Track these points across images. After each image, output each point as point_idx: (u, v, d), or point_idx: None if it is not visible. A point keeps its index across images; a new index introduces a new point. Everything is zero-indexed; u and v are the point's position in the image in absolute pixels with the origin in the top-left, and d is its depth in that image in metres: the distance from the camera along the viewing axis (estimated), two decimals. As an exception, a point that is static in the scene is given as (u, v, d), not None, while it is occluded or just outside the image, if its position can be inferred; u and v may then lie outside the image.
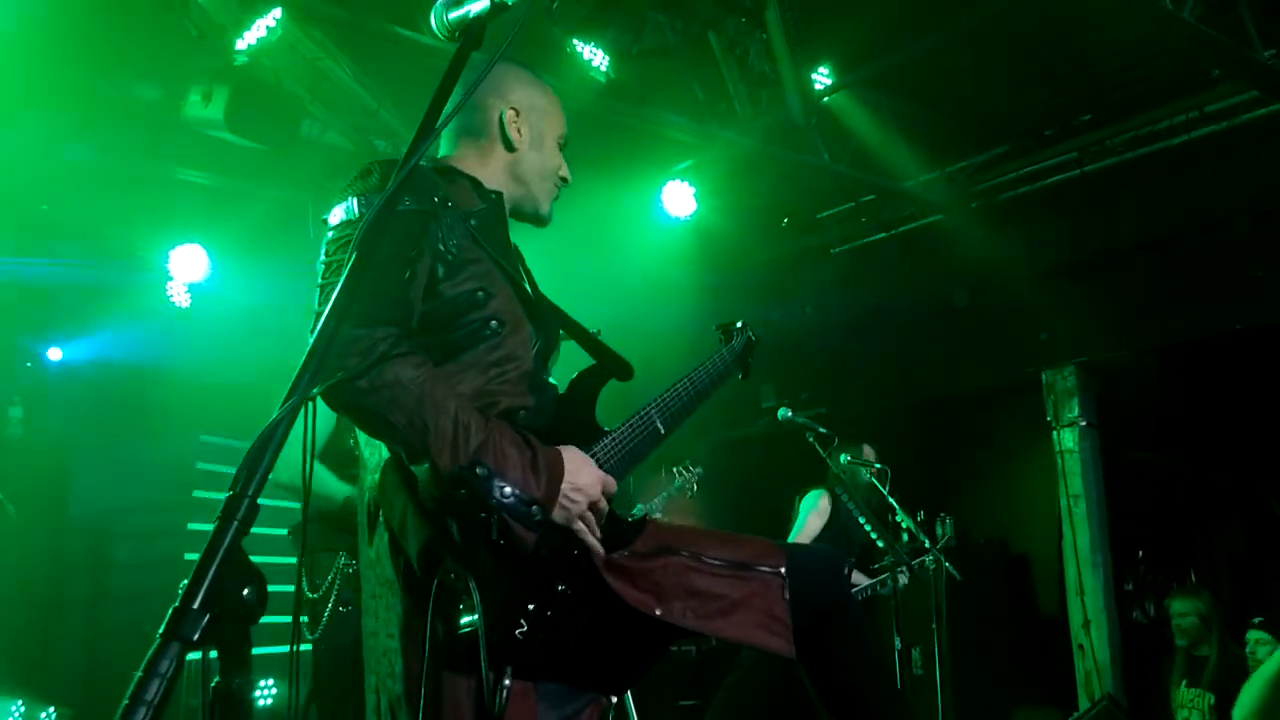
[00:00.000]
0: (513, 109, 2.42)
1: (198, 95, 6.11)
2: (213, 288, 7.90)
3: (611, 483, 2.19)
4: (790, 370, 9.35)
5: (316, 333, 1.44)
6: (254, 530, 1.23)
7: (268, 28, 5.59)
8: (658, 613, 2.19)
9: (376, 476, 2.18)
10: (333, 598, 3.76)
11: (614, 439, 2.33)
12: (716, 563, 2.29)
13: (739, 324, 2.94)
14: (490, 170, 2.40)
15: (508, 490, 2.01)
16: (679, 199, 7.47)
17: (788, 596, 2.28)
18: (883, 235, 8.73)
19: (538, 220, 2.51)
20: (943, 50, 6.46)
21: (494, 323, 2.15)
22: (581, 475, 2.12)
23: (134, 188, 7.22)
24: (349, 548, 3.77)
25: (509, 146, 2.42)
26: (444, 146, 2.46)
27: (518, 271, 2.31)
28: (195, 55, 6.05)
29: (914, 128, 7.50)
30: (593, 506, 2.14)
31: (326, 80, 6.42)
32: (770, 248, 9.04)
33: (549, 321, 2.36)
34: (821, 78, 6.82)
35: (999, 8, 6.04)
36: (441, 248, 2.11)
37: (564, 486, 2.09)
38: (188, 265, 7.69)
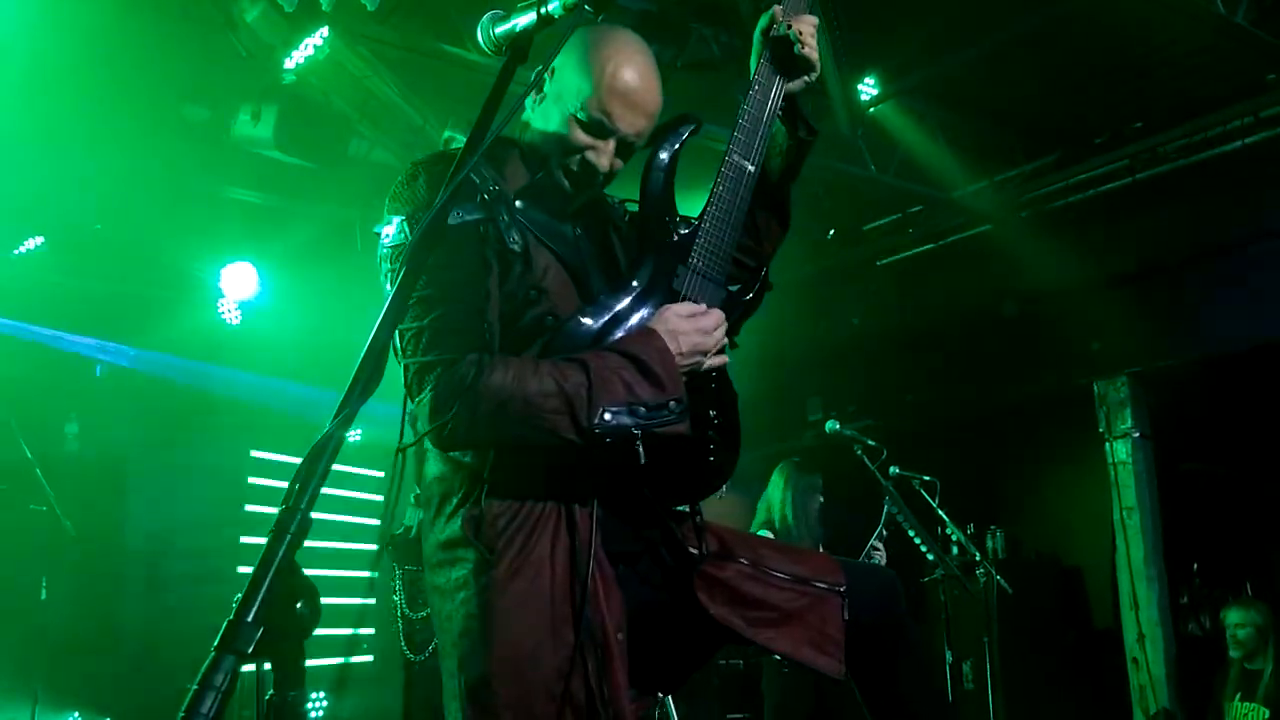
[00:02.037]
0: (550, 70, 2.18)
1: (247, 115, 6.19)
2: (263, 305, 7.99)
3: (710, 320, 2.14)
4: (837, 382, 9.30)
5: (366, 347, 1.44)
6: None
7: (315, 46, 5.66)
8: (712, 611, 2.17)
9: (443, 469, 2.15)
10: None
11: (704, 243, 2.19)
12: (776, 574, 2.26)
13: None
14: (527, 135, 2.26)
15: (641, 411, 1.99)
16: (724, 212, 7.44)
17: (847, 616, 2.24)
18: (930, 246, 8.66)
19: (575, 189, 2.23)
20: (990, 58, 6.41)
21: (549, 318, 2.08)
22: (685, 340, 2.08)
23: (185, 206, 7.31)
24: None
25: (526, 109, 2.26)
26: None
27: (574, 248, 2.20)
28: (244, 75, 6.14)
29: (961, 137, 7.44)
30: (706, 351, 2.12)
31: (373, 98, 6.47)
32: (816, 260, 9.00)
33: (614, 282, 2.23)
34: (867, 88, 6.78)
35: (1047, 15, 5.98)
36: (501, 247, 2.06)
37: (679, 362, 2.06)
38: (238, 283, 7.78)
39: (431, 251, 1.84)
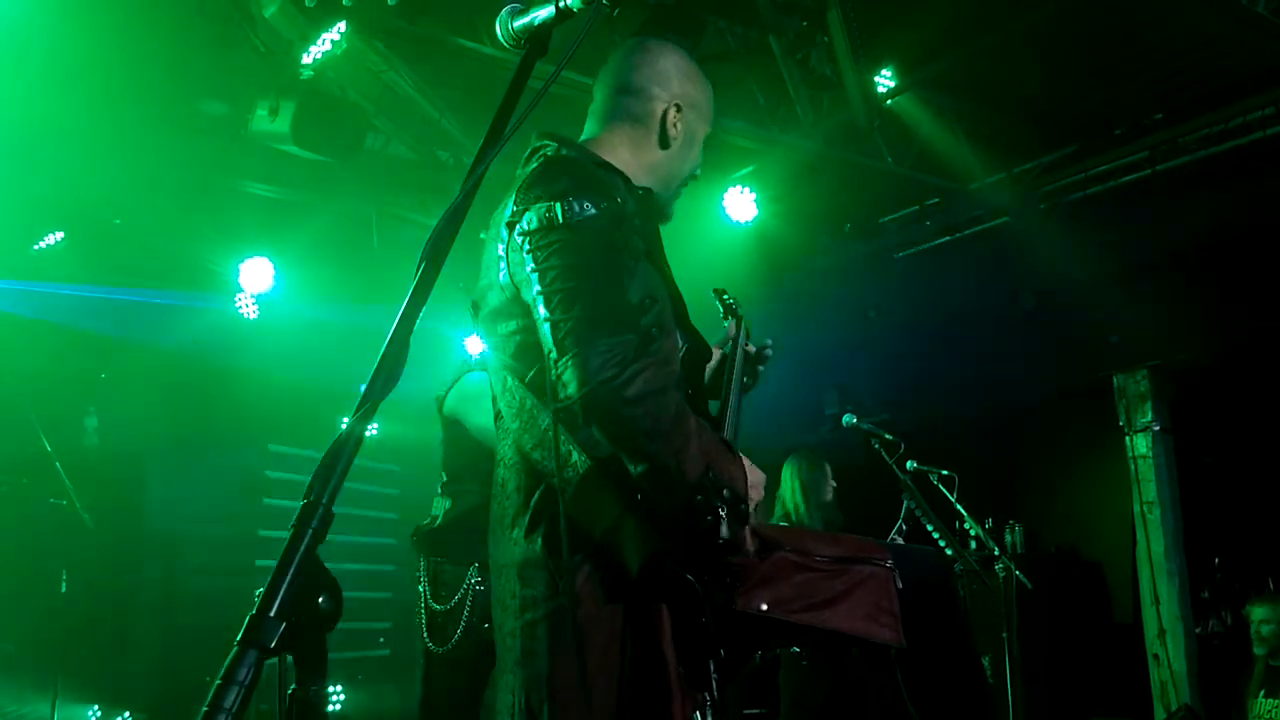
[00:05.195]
0: (676, 105, 2.38)
1: (264, 109, 6.21)
2: (279, 299, 8.01)
3: (760, 479, 2.23)
4: (854, 376, 9.28)
5: (388, 340, 1.43)
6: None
7: (332, 41, 5.66)
8: (764, 608, 2.19)
9: (522, 478, 2.17)
10: (466, 611, 3.75)
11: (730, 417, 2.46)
12: (822, 558, 2.30)
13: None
14: (639, 162, 2.34)
15: (726, 492, 2.03)
16: (740, 205, 7.44)
17: (899, 585, 2.31)
18: (947, 238, 8.62)
19: (661, 218, 2.45)
20: (1008, 49, 6.36)
21: (654, 328, 2.10)
22: (755, 472, 2.17)
23: (203, 201, 7.35)
24: (482, 561, 3.77)
25: (664, 144, 2.37)
26: (591, 126, 2.41)
27: (669, 273, 2.28)
28: (261, 70, 6.15)
29: (979, 129, 7.40)
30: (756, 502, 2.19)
31: (390, 92, 6.48)
32: (832, 252, 8.98)
33: (686, 326, 2.32)
34: (884, 80, 6.75)
35: (1065, 5, 5.94)
36: (626, 253, 2.10)
37: (749, 481, 2.14)
38: (255, 277, 7.80)
39: (573, 232, 2.01)
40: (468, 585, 3.77)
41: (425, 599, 3.86)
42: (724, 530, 2.01)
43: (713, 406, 2.56)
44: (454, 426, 3.95)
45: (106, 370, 8.42)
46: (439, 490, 4.07)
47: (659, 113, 2.36)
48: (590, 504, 2.05)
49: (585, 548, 2.06)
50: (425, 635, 3.83)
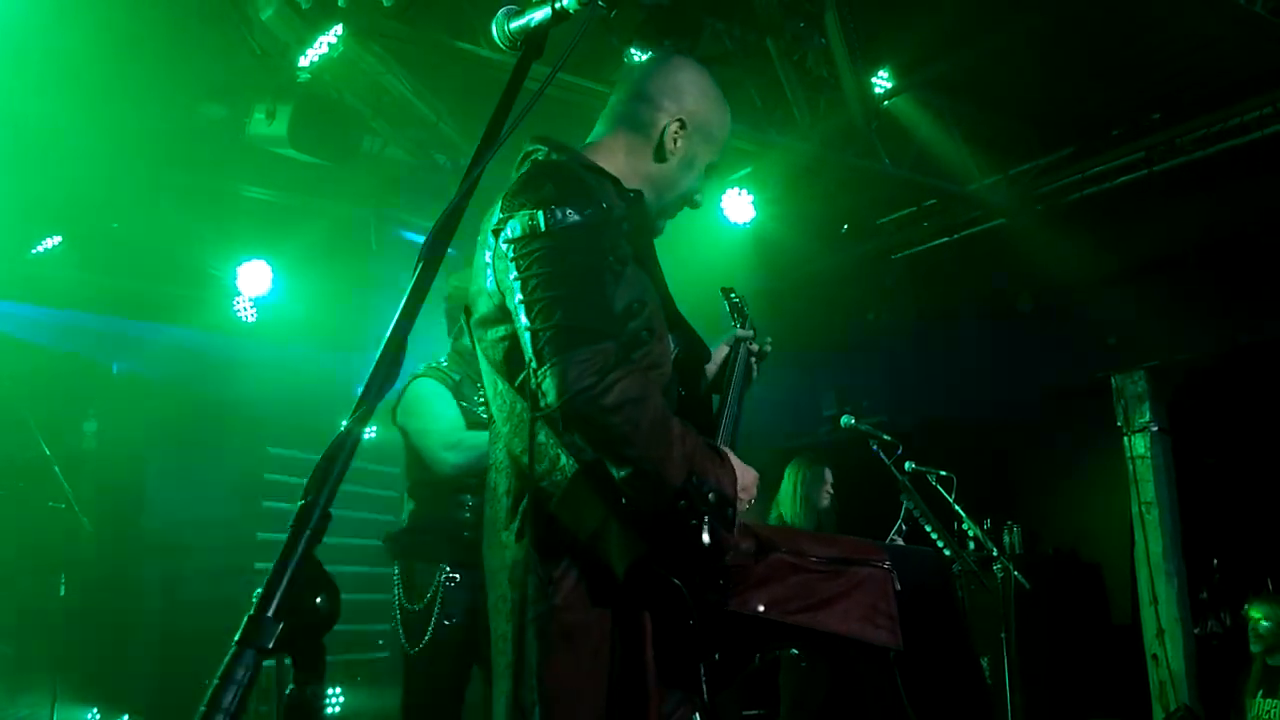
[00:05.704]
0: (679, 121, 2.35)
1: (261, 113, 6.21)
2: (277, 302, 8.00)
3: (752, 479, 2.22)
4: (852, 377, 9.28)
5: (384, 343, 1.43)
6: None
7: (329, 45, 5.66)
8: (760, 609, 2.20)
9: (512, 481, 2.18)
10: (436, 610, 3.78)
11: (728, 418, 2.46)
12: (818, 560, 2.30)
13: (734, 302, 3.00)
14: (633, 168, 2.33)
15: (711, 496, 2.03)
16: (738, 206, 7.45)
17: (898, 587, 2.30)
18: (945, 240, 8.63)
19: (651, 229, 2.44)
20: (1006, 50, 6.37)
21: (644, 332, 2.12)
22: (747, 473, 2.16)
23: (200, 204, 7.34)
24: (450, 560, 3.81)
25: (660, 157, 2.35)
26: (598, 127, 2.41)
27: (660, 276, 2.28)
28: (259, 74, 6.15)
29: (977, 130, 7.41)
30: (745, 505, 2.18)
31: (387, 95, 6.49)
32: (830, 254, 8.98)
33: (680, 328, 2.33)
34: (881, 81, 6.75)
35: (1063, 7, 5.95)
36: (613, 258, 2.09)
37: (739, 484, 2.12)
38: (253, 280, 7.79)
39: (555, 239, 2.00)
40: (437, 584, 3.80)
41: (399, 600, 3.89)
42: (705, 535, 2.00)
43: (715, 402, 2.57)
44: (403, 435, 4.03)
45: (104, 374, 8.42)
46: (404, 495, 4.15)
47: (661, 125, 2.34)
48: (578, 507, 2.06)
49: (573, 551, 2.07)
50: (401, 636, 3.86)
